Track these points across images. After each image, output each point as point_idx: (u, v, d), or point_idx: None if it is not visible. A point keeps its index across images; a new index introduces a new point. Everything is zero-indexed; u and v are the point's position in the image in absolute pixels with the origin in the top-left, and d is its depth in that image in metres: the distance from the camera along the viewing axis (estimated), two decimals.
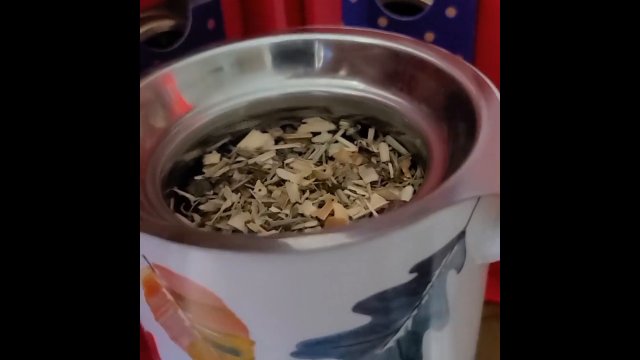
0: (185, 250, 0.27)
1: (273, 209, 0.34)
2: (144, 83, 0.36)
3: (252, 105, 0.39)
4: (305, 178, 0.36)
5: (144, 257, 0.28)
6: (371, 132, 0.39)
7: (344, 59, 0.38)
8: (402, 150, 0.38)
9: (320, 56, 0.39)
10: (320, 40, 0.39)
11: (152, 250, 0.28)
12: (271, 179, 0.37)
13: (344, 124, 0.40)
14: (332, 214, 0.33)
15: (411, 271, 0.28)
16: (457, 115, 0.33)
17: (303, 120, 0.40)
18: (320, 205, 0.34)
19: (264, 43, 0.39)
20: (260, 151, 0.39)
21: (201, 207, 0.36)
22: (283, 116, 0.40)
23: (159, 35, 0.44)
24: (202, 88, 0.38)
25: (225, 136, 0.39)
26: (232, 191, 0.36)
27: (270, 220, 0.33)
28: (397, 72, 0.37)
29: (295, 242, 0.26)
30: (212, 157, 0.38)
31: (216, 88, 0.38)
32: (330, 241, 0.26)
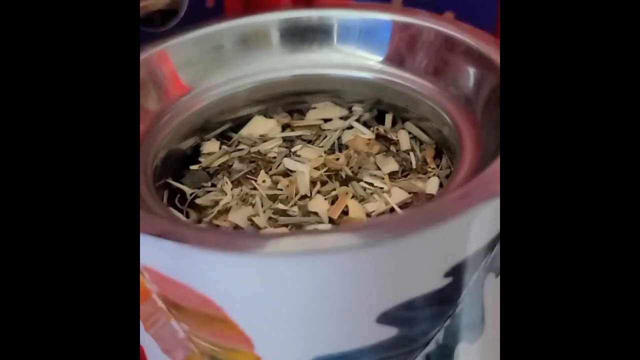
0: (179, 249, 0.22)
1: (280, 205, 0.29)
2: None
3: (256, 88, 0.34)
4: (315, 168, 0.31)
5: None
6: (389, 118, 0.34)
7: (360, 38, 0.34)
8: (425, 137, 0.33)
9: (334, 35, 0.34)
10: (335, 17, 0.34)
11: (141, 249, 0.23)
12: (276, 168, 0.32)
13: (357, 109, 0.35)
14: (346, 211, 0.29)
15: (446, 275, 0.23)
16: (489, 97, 0.29)
17: (313, 105, 0.36)
18: (333, 200, 0.29)
19: (272, 19, 0.35)
20: (264, 139, 0.34)
21: (198, 200, 0.31)
22: (290, 100, 0.35)
23: (153, 13, 0.39)
24: (200, 68, 0.33)
25: (226, 122, 0.34)
26: (232, 182, 0.31)
27: (277, 217, 0.29)
28: (420, 51, 0.32)
29: (309, 241, 0.21)
30: (211, 145, 0.34)
31: (216, 68, 0.34)
32: (349, 240, 0.21)
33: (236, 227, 0.29)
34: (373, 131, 0.34)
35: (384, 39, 0.33)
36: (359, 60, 0.34)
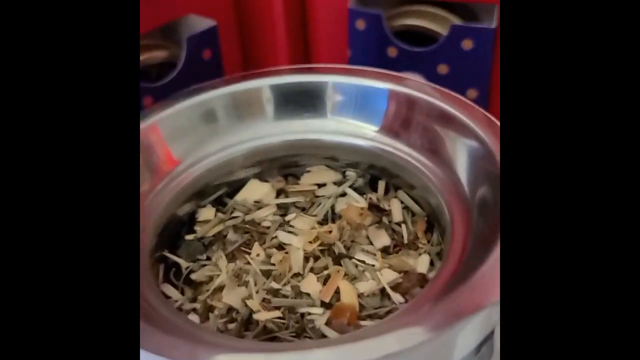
0: None
1: (273, 285, 0.30)
2: None
3: (250, 154, 0.35)
4: (309, 242, 0.32)
5: None
6: (382, 185, 0.35)
7: (356, 105, 0.34)
8: (417, 208, 0.33)
9: (328, 100, 0.34)
10: (330, 83, 0.34)
11: None
12: (271, 240, 0.32)
13: (351, 174, 0.35)
14: (338, 290, 0.29)
15: None
16: (483, 179, 0.29)
17: (307, 169, 0.36)
18: (326, 279, 0.30)
19: (265, 84, 0.35)
20: (259, 205, 0.34)
21: (193, 276, 0.31)
22: (285, 164, 0.36)
23: (149, 67, 0.40)
24: (193, 137, 0.34)
25: (221, 187, 0.35)
26: (226, 255, 0.32)
27: (270, 298, 0.29)
28: (415, 123, 0.33)
29: (316, 358, 0.21)
30: (207, 212, 0.34)
31: (209, 137, 0.34)
32: (350, 358, 0.21)
33: (230, 308, 0.29)
34: (366, 199, 0.34)
35: (379, 107, 0.34)
36: (354, 128, 0.34)
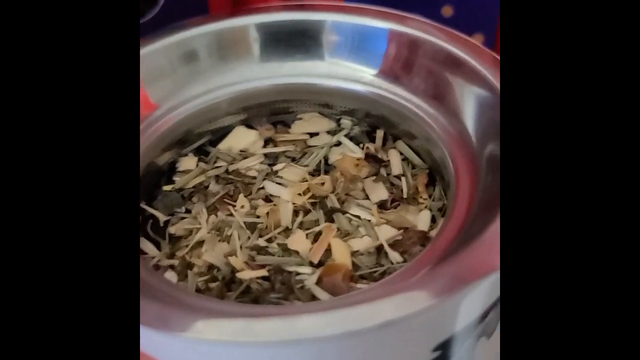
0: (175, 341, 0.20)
1: (259, 242, 0.27)
2: None
3: (236, 98, 0.31)
4: (298, 194, 0.29)
5: None
6: (380, 135, 0.32)
7: (352, 46, 0.31)
8: (417, 160, 0.30)
9: (324, 41, 0.31)
10: (327, 21, 0.31)
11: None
12: (257, 192, 0.29)
13: (346, 122, 0.32)
14: (328, 248, 0.27)
15: (435, 349, 0.21)
16: (493, 131, 0.26)
17: (298, 116, 0.33)
18: (316, 236, 0.27)
19: (252, 22, 0.31)
20: (245, 154, 0.31)
21: (171, 229, 0.28)
22: (274, 110, 0.33)
23: None
24: (172, 79, 0.30)
25: (204, 134, 0.32)
26: (207, 208, 0.29)
27: (255, 254, 0.27)
28: (418, 66, 0.29)
29: (304, 326, 0.19)
30: (188, 161, 0.31)
31: (191, 79, 0.31)
32: (343, 326, 0.19)
33: (211, 266, 0.26)
34: (363, 149, 0.31)
35: (379, 49, 0.30)
36: (350, 72, 0.31)
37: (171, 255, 0.27)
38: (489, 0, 0.36)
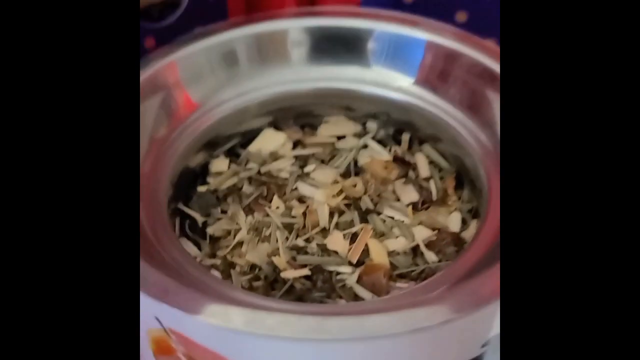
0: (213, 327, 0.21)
1: (299, 242, 0.28)
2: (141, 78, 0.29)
3: (269, 101, 0.32)
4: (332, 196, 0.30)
5: (157, 320, 0.22)
6: (405, 138, 0.33)
7: (389, 54, 0.32)
8: (444, 163, 0.31)
9: (362, 48, 0.32)
10: (372, 29, 0.31)
11: (168, 316, 0.22)
12: (290, 192, 0.30)
13: (371, 125, 0.33)
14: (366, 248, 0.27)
15: (483, 346, 0.23)
16: None
17: (325, 119, 0.34)
18: (352, 236, 0.28)
19: (293, 26, 0.32)
20: (274, 156, 0.32)
21: (209, 230, 0.29)
22: (301, 114, 0.33)
23: (151, 6, 0.37)
24: (211, 81, 0.31)
25: (234, 136, 0.32)
26: (243, 208, 0.30)
27: (295, 254, 0.27)
28: (454, 78, 0.30)
29: (354, 324, 0.20)
30: (219, 163, 0.31)
31: (228, 81, 0.31)
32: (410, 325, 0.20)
33: (253, 265, 0.27)
34: (390, 152, 0.32)
35: (416, 58, 0.31)
36: (387, 79, 0.32)
37: (212, 255, 0.28)
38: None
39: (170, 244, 0.25)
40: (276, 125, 0.33)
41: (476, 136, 0.28)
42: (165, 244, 0.24)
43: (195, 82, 0.30)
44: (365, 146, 0.33)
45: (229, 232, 0.29)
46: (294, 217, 0.29)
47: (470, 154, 0.28)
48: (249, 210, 0.30)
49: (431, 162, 0.31)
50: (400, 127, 0.32)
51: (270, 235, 0.28)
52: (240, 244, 0.28)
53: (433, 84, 0.30)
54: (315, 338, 0.19)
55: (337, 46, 0.31)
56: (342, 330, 0.19)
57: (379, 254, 0.27)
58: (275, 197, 0.30)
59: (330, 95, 0.32)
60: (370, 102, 0.32)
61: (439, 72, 0.30)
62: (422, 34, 0.30)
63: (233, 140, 0.32)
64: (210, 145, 0.31)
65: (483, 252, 0.24)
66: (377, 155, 0.32)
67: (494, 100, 0.28)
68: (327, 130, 0.33)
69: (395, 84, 0.31)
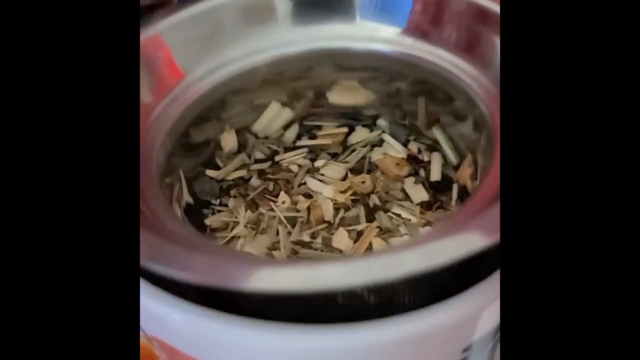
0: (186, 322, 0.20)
1: (304, 237, 0.26)
2: None
3: (266, 66, 0.29)
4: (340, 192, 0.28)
5: (140, 328, 0.21)
6: (414, 146, 0.30)
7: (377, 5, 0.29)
8: (454, 156, 0.29)
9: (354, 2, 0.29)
10: None
11: (151, 324, 0.21)
12: (298, 187, 0.29)
13: (381, 122, 0.31)
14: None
15: (464, 351, 0.22)
16: None
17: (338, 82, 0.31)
18: (358, 234, 0.27)
19: None
20: (284, 144, 0.31)
21: (207, 221, 0.28)
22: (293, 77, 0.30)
23: (141, 8, 0.34)
24: (199, 49, 0.28)
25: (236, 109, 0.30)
26: (248, 201, 0.28)
27: (299, 249, 0.26)
28: (449, 23, 0.28)
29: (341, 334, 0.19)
30: (229, 139, 0.30)
31: (217, 48, 0.29)
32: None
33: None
34: (405, 143, 0.30)
35: (404, 6, 0.28)
36: (380, 33, 0.29)
37: None
38: None
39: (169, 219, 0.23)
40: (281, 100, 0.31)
41: (474, 77, 0.26)
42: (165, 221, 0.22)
43: (182, 50, 0.28)
44: (380, 142, 0.31)
45: (227, 225, 0.28)
46: (298, 210, 0.28)
47: (470, 97, 0.26)
48: (252, 204, 0.29)
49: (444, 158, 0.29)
50: (394, 79, 0.30)
51: (268, 228, 0.27)
52: (236, 237, 0.27)
53: (426, 31, 0.28)
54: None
55: (321, 4, 0.29)
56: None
57: None
58: (282, 193, 0.29)
59: (321, 56, 0.29)
60: (362, 58, 0.29)
61: (430, 19, 0.28)
62: None
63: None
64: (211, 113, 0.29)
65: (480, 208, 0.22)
66: (392, 152, 0.30)
67: (493, 39, 0.26)
68: (336, 98, 0.31)
69: (384, 35, 0.28)
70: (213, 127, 0.29)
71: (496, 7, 0.26)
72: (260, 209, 0.28)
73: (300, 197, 0.28)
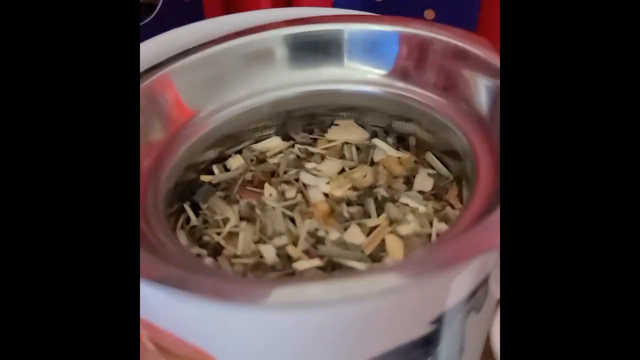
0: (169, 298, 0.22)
1: (320, 232, 0.27)
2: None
3: (268, 106, 0.32)
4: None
5: None
6: (412, 142, 0.32)
7: (366, 51, 0.32)
8: (444, 171, 0.30)
9: (344, 49, 0.32)
10: (346, 30, 0.32)
11: None
12: (286, 177, 0.30)
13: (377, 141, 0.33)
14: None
15: (432, 322, 0.22)
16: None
17: (335, 122, 0.33)
18: (370, 229, 0.27)
19: (277, 35, 0.32)
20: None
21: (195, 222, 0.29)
22: (303, 115, 0.33)
23: None
24: (205, 90, 0.31)
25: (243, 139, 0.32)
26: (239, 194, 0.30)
27: (315, 243, 0.27)
28: (429, 64, 0.30)
29: (309, 293, 0.20)
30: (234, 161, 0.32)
31: (222, 89, 0.31)
32: (344, 293, 0.20)
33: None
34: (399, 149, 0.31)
35: (391, 51, 0.31)
36: (366, 75, 0.32)
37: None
38: (467, 4, 0.37)
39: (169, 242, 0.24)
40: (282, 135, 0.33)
41: (454, 112, 0.28)
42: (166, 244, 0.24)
43: (190, 90, 0.31)
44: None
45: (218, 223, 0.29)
46: (287, 199, 0.29)
47: (453, 130, 0.28)
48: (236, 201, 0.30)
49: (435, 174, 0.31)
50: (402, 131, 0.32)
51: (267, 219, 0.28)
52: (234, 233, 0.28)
53: (410, 73, 0.30)
54: None
55: (314, 50, 0.32)
56: None
57: (396, 250, 0.26)
58: (267, 185, 0.30)
59: (313, 96, 0.32)
60: (348, 98, 0.32)
61: (414, 62, 0.30)
62: (393, 27, 0.30)
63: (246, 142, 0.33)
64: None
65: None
66: (391, 153, 0.31)
67: (472, 78, 0.28)
68: (335, 134, 0.33)
69: (373, 78, 0.31)
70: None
71: (474, 48, 0.29)
72: (248, 201, 0.29)
73: (285, 186, 0.29)
